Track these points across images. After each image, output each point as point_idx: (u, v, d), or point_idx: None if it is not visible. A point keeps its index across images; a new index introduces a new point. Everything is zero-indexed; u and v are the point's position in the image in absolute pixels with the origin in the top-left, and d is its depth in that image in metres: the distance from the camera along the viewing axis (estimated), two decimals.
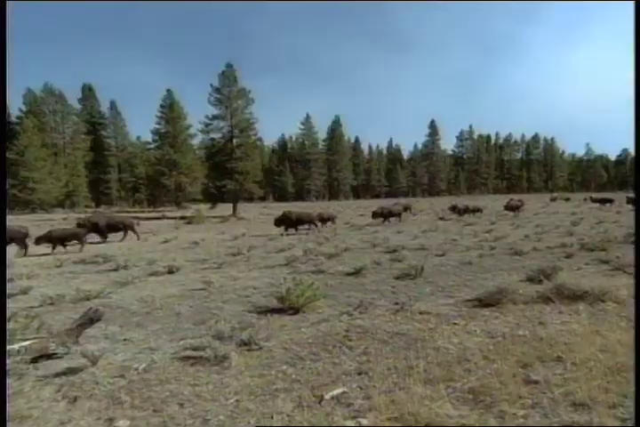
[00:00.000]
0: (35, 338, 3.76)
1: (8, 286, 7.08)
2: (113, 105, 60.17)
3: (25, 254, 11.92)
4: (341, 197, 72.25)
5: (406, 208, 27.43)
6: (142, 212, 42.53)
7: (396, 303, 5.20)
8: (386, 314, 4.78)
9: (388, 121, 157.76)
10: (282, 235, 16.51)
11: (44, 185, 43.66)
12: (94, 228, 15.53)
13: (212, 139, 40.54)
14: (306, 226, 18.74)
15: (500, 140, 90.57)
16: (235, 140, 39.77)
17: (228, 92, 38.95)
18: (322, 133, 74.41)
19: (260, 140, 42.58)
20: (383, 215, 22.04)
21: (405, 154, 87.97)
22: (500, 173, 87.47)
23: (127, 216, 18.65)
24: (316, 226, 18.92)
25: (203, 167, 47.51)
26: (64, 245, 12.94)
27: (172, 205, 48.99)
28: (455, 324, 4.30)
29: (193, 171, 47.41)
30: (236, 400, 2.76)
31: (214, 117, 39.54)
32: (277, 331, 4.28)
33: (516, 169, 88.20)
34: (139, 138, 64.89)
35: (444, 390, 2.70)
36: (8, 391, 2.14)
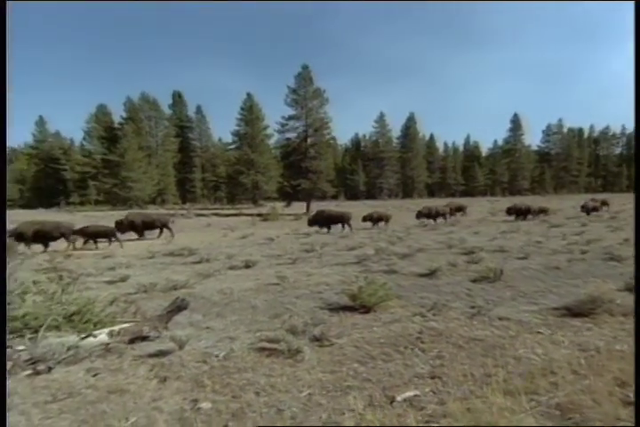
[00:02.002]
0: (132, 321, 4.18)
1: (110, 273, 7.97)
2: (198, 109, 64.53)
3: (74, 248, 13.22)
4: (415, 195, 70.42)
5: (460, 208, 26.03)
6: (222, 209, 45.17)
7: (473, 307, 4.96)
8: (461, 318, 4.58)
9: (466, 117, 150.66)
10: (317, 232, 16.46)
11: (139, 184, 48.33)
12: (131, 225, 16.54)
13: (288, 138, 41.82)
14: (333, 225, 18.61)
15: (595, 134, 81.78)
16: (309, 140, 40.63)
17: (304, 92, 39.86)
18: (395, 131, 73.14)
19: (333, 139, 43.05)
20: (428, 216, 21.14)
21: (484, 151, 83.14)
22: (595, 169, 78.97)
23: (163, 214, 19.48)
24: (350, 226, 18.54)
25: (278, 166, 49.22)
26: (95, 242, 14.02)
27: (250, 203, 51.36)
28: (539, 333, 3.99)
29: (269, 170, 49.29)
30: (309, 394, 2.83)
31: (290, 118, 40.71)
32: (349, 329, 4.31)
33: (613, 165, 79.03)
34: (220, 139, 68.93)
35: (527, 403, 2.53)
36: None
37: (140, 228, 16.85)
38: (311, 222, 18.57)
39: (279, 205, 41.01)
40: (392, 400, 2.68)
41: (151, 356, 3.57)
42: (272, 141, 50.42)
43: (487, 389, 2.75)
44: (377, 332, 4.19)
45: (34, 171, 59.71)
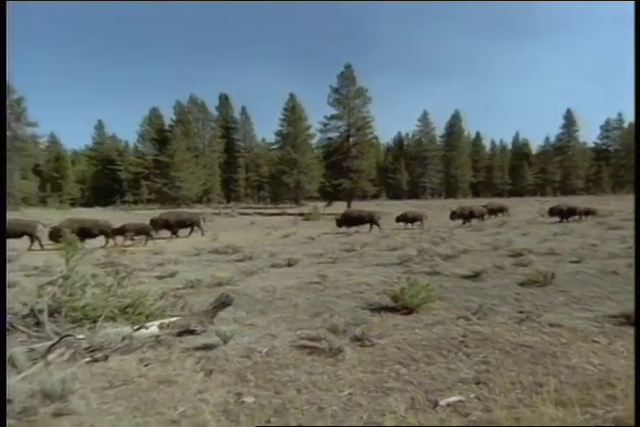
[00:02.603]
0: (180, 315, 4.37)
1: (160, 269, 8.36)
2: (243, 111, 66.22)
3: (110, 245, 13.96)
4: (459, 195, 68.31)
5: (501, 209, 24.84)
6: (265, 208, 46.08)
7: (521, 312, 4.76)
8: (508, 322, 4.41)
9: (514, 114, 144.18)
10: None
11: (187, 183, 50.28)
12: (165, 224, 17.19)
13: (330, 138, 41.97)
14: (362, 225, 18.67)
15: None
16: (351, 139, 40.55)
17: (347, 91, 39.82)
18: (439, 130, 71.37)
19: (375, 138, 42.74)
20: (463, 216, 20.29)
21: (534, 149, 79.13)
22: None
23: (195, 213, 20.14)
24: (378, 226, 18.31)
25: (320, 166, 49.48)
26: (132, 239, 14.82)
27: (292, 203, 51.98)
28: (595, 342, 3.76)
29: (311, 169, 49.65)
30: (349, 394, 2.84)
31: (332, 117, 40.81)
32: (390, 329, 4.26)
33: None
34: (264, 140, 70.32)
35: (581, 416, 2.39)
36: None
37: (173, 226, 17.62)
38: (340, 222, 18.64)
39: (320, 204, 41.22)
40: (435, 404, 2.63)
41: (198, 349, 3.72)
42: (314, 141, 50.78)
43: (537, 398, 2.63)
44: (419, 334, 4.12)
45: (93, 171, 63.81)
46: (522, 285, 6.27)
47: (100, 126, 65.16)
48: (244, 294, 6.12)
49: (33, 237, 14.27)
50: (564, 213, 20.30)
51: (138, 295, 4.39)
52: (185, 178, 50.25)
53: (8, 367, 3.00)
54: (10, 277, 7.86)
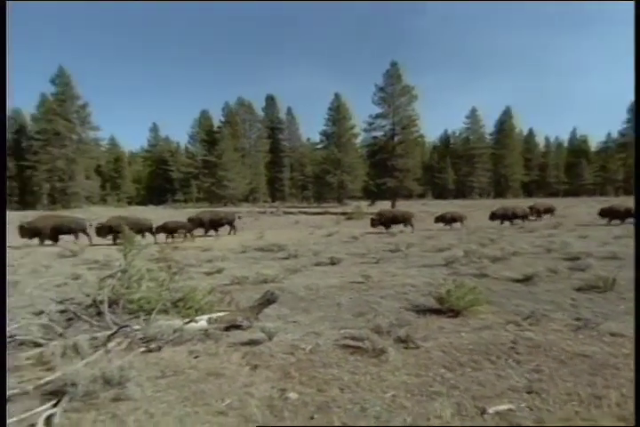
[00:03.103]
0: (227, 311, 4.52)
1: (208, 265, 8.68)
2: (289, 111, 67.12)
3: (155, 242, 14.51)
4: (509, 194, 65.26)
5: (548, 210, 23.28)
6: (309, 207, 46.47)
7: (578, 319, 4.47)
8: (563, 330, 4.16)
9: (571, 110, 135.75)
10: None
11: (234, 183, 51.78)
12: (201, 222, 17.73)
13: (375, 137, 41.61)
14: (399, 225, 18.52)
15: None
16: (396, 138, 40.00)
17: (392, 90, 39.31)
18: (489, 127, 68.57)
19: (421, 136, 41.76)
20: (503, 217, 19.18)
21: (593, 146, 73.99)
22: None
23: (230, 212, 20.64)
24: (412, 226, 17.99)
25: (364, 165, 49.20)
26: (172, 236, 15.54)
27: (335, 202, 52.07)
28: None
29: (355, 169, 49.50)
30: (393, 395, 2.81)
31: (377, 116, 40.43)
32: (435, 332, 4.17)
33: None
34: (309, 139, 70.94)
35: None
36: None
37: (209, 224, 18.20)
38: (374, 222, 18.47)
39: (363, 204, 40.95)
40: (483, 412, 2.54)
41: (243, 344, 3.82)
42: (358, 140, 50.58)
43: (596, 412, 2.47)
44: (465, 338, 4.00)
45: (147, 172, 67.35)
46: (578, 290, 5.91)
47: (154, 129, 68.65)
48: (287, 291, 6.21)
49: (82, 234, 15.47)
50: (619, 215, 18.76)
51: (188, 290, 4.59)
52: (232, 177, 51.79)
53: (72, 354, 3.25)
54: (75, 270, 8.48)
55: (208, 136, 57.63)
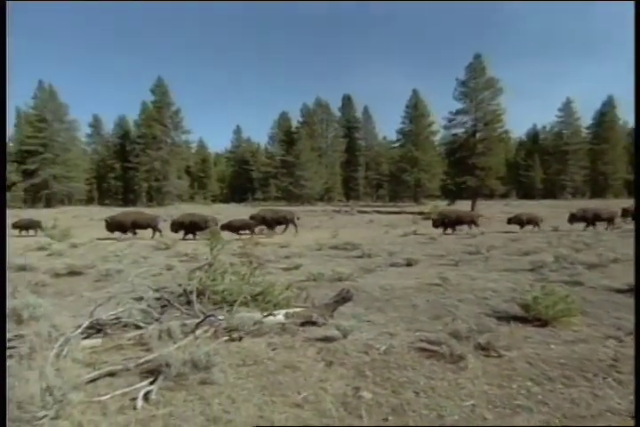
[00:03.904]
0: (303, 306, 4.65)
1: (286, 261, 8.99)
2: (365, 110, 66.92)
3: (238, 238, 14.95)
4: (608, 194, 58.24)
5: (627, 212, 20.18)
6: (384, 206, 45.92)
7: None
8: None
9: None
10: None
11: (310, 182, 52.99)
12: (262, 220, 18.03)
13: (454, 134, 39.90)
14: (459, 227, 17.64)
15: None
16: (478, 135, 37.96)
17: (475, 84, 37.36)
18: (585, 120, 61.90)
19: (506, 132, 38.97)
20: (585, 219, 16.91)
21: None
22: None
23: (290, 211, 20.72)
24: (477, 226, 16.95)
25: (442, 164, 47.42)
26: (239, 233, 16.06)
27: (411, 201, 50.85)
28: None
29: (433, 167, 47.95)
30: (472, 405, 2.68)
31: (457, 112, 38.73)
32: (520, 342, 3.89)
33: None
34: (384, 138, 70.12)
35: None
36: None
37: (270, 222, 18.66)
38: (436, 223, 17.69)
39: (441, 203, 39.44)
40: None
41: (318, 340, 3.90)
42: (437, 138, 48.86)
43: None
44: (555, 350, 3.68)
45: (230, 171, 71.58)
46: None
47: (238, 131, 72.67)
48: (362, 290, 6.21)
49: (155, 229, 16.89)
50: None
51: (267, 285, 4.80)
52: (309, 177, 53.01)
53: (166, 338, 3.57)
54: (168, 261, 9.31)
55: (286, 137, 59.63)
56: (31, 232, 19.58)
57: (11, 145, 53.49)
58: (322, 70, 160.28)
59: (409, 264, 8.68)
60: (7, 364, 2.98)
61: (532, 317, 4.50)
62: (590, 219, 17.70)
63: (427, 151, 48.80)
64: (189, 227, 16.36)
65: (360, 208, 40.67)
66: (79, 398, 2.56)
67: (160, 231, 16.96)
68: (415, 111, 50.04)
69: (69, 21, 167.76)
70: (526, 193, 61.54)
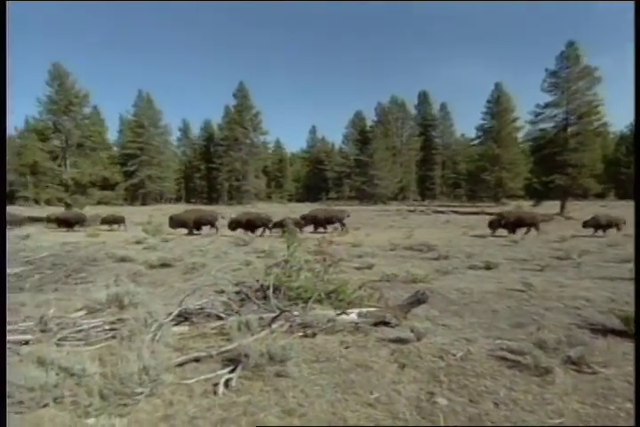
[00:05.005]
0: (376, 306, 4.62)
1: (359, 260, 9.00)
2: (443, 107, 64.59)
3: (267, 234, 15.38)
4: None
5: None
6: (461, 206, 43.92)
7: None
8: None
9: None
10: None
11: (384, 181, 52.47)
12: (313, 220, 18.07)
13: (542, 129, 36.75)
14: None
15: None
16: (569, 129, 34.66)
17: (567, 73, 34.09)
18: None
19: (604, 125, 34.81)
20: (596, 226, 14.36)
21: None
22: None
23: (341, 210, 20.24)
24: (537, 229, 15.72)
25: (527, 161, 44.08)
26: (283, 231, 16.21)
27: (491, 201, 48.03)
28: None
29: (516, 165, 44.91)
30: (560, 423, 2.47)
31: (547, 105, 35.67)
32: (619, 358, 3.50)
33: None
34: (463, 135, 67.03)
35: None
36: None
37: (321, 222, 18.69)
38: (493, 225, 16.32)
39: (525, 203, 36.70)
40: None
41: (392, 341, 3.86)
42: (521, 134, 45.49)
43: None
44: None
45: (305, 171, 73.31)
46: None
47: (313, 131, 74.23)
48: (437, 293, 6.01)
49: (213, 226, 18.15)
50: None
51: (340, 283, 4.85)
52: (383, 176, 52.51)
53: (244, 330, 3.77)
54: (246, 257, 9.80)
55: (361, 136, 59.60)
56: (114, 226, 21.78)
57: (115, 149, 60.22)
58: (397, 68, 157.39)
59: (488, 267, 8.21)
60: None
61: (632, 331, 4.02)
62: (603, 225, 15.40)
63: (509, 148, 45.66)
64: (246, 225, 17.32)
65: (436, 208, 39.32)
66: (170, 380, 2.82)
67: (217, 229, 18.13)
68: (498, 106, 47.08)
69: (160, 31, 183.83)
70: (627, 192, 54.87)
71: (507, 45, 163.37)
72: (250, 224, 17.30)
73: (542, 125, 36.71)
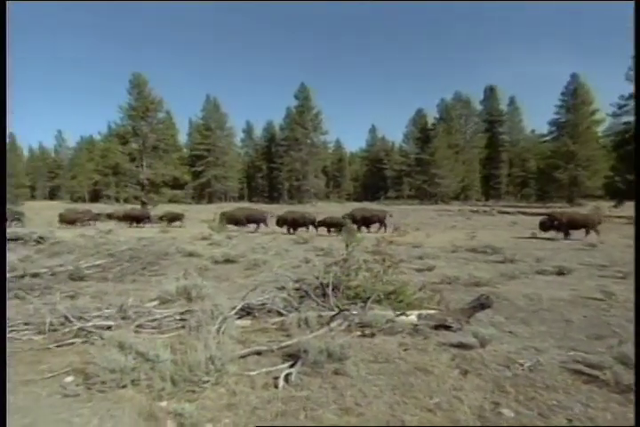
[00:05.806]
0: (436, 309, 4.50)
1: (419, 262, 8.79)
2: (511, 101, 61.07)
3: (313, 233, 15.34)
4: None
5: None
6: (529, 207, 41.24)
7: None
8: None
9: None
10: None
11: (446, 180, 50.75)
12: (353, 219, 17.89)
13: (626, 123, 33.46)
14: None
15: None
16: None
17: None
18: None
19: None
20: None
21: None
22: None
23: (382, 210, 19.81)
24: (596, 231, 14.34)
25: (607, 158, 40.34)
26: (329, 231, 16.94)
27: (564, 202, 44.60)
28: None
29: (594, 162, 41.31)
30: None
31: (631, 96, 32.41)
32: None
33: None
34: (533, 131, 62.85)
35: None
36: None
37: (360, 221, 18.47)
38: (545, 226, 14.87)
39: (605, 204, 33.64)
40: None
41: (453, 346, 3.73)
42: (601, 129, 41.72)
43: None
44: None
45: (364, 171, 72.97)
46: None
47: (372, 130, 73.63)
48: (503, 298, 5.72)
49: (264, 224, 18.91)
50: None
51: (400, 284, 4.78)
52: (444, 175, 50.85)
53: (304, 326, 3.85)
54: (306, 255, 9.97)
55: (422, 134, 58.05)
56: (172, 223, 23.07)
57: (184, 151, 64.16)
58: (461, 64, 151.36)
59: (560, 273, 7.64)
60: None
61: None
62: None
63: (587, 144, 42.04)
64: (291, 222, 18.01)
65: (501, 208, 37.27)
66: (233, 371, 2.95)
67: (267, 225, 18.99)
68: (574, 99, 43.52)
69: (227, 37, 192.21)
70: None
71: (581, 36, 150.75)
72: (295, 222, 17.97)
73: (626, 118, 33.41)
